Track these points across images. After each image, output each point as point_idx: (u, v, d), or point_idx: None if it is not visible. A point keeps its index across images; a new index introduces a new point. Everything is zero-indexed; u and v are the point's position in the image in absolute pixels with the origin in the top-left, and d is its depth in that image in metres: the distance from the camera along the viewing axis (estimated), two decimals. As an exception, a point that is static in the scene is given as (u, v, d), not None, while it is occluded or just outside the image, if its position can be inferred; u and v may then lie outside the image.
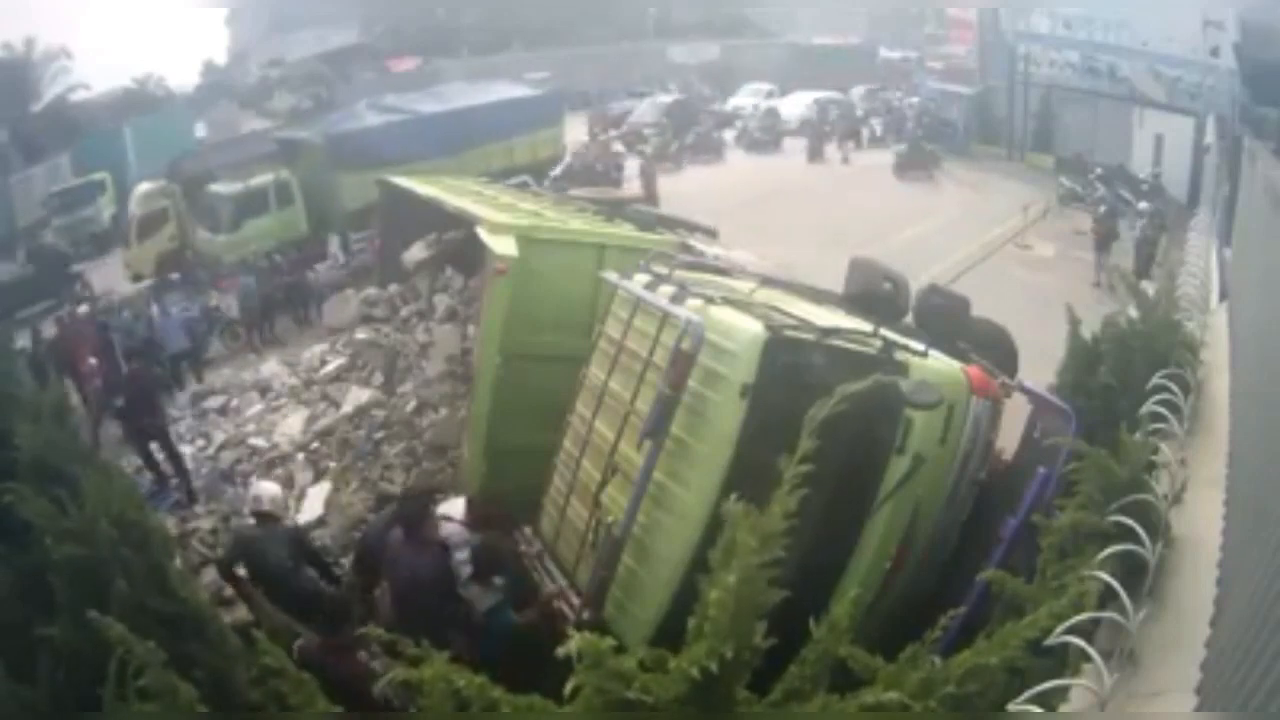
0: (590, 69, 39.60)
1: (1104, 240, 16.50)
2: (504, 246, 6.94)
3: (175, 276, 18.31)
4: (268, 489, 6.43)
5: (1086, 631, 3.22)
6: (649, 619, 4.78)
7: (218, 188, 19.33)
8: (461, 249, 10.04)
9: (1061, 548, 3.84)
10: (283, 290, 16.50)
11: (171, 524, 7.95)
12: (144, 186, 20.56)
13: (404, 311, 10.73)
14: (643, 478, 4.93)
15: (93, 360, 13.22)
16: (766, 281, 6.64)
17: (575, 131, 25.82)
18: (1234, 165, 14.96)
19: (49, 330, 15.13)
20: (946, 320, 7.18)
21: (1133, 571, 3.62)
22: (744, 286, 6.30)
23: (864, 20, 43.51)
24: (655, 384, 5.03)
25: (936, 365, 5.17)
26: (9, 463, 4.98)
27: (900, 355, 5.05)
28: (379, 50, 43.05)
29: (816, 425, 2.92)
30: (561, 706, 2.40)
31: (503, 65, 37.14)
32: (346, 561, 6.79)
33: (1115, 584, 3.33)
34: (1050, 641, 3.02)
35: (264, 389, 11.16)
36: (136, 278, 19.28)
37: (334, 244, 19.35)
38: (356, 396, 9.52)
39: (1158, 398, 4.91)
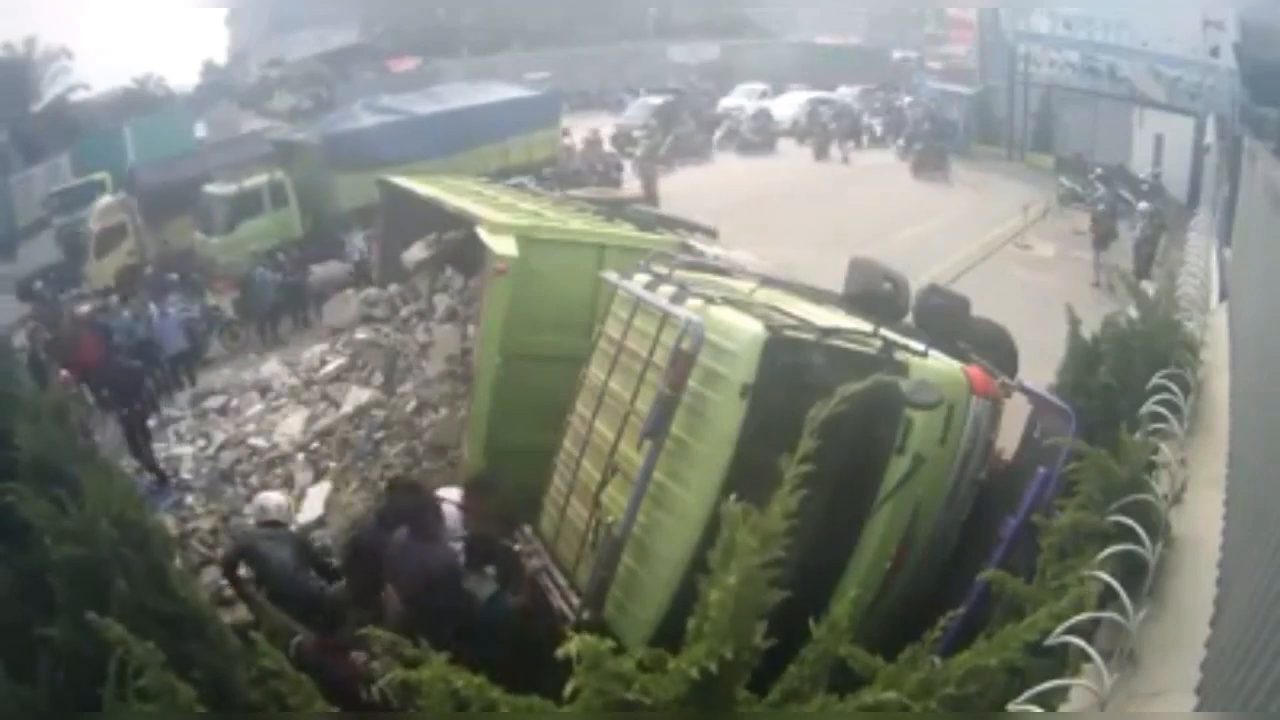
0: (590, 69, 39.60)
1: (1102, 239, 16.51)
2: (504, 246, 6.94)
3: (174, 277, 18.26)
4: (273, 499, 6.41)
5: (1086, 631, 3.21)
6: (649, 619, 4.78)
7: (212, 189, 19.26)
8: (461, 249, 10.04)
9: (1061, 548, 3.84)
10: (285, 290, 16.47)
11: (171, 524, 7.96)
12: (103, 200, 20.44)
13: (404, 311, 10.73)
14: (643, 478, 4.93)
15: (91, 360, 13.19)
16: (766, 281, 6.64)
17: (579, 132, 25.69)
18: (1234, 165, 14.96)
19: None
20: (946, 320, 7.19)
21: (1133, 571, 3.62)
22: (744, 286, 6.30)
23: (864, 20, 43.48)
24: (655, 384, 5.03)
25: (936, 365, 5.17)
26: (9, 463, 4.98)
27: (900, 355, 5.05)
28: (379, 50, 43.01)
29: (817, 426, 2.92)
30: (561, 708, 2.39)
31: (503, 65, 37.15)
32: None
33: (1115, 584, 3.33)
34: (1050, 641, 3.02)
35: (264, 389, 11.17)
36: (94, 292, 18.61)
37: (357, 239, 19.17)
38: (356, 396, 9.52)
39: (1158, 398, 4.91)
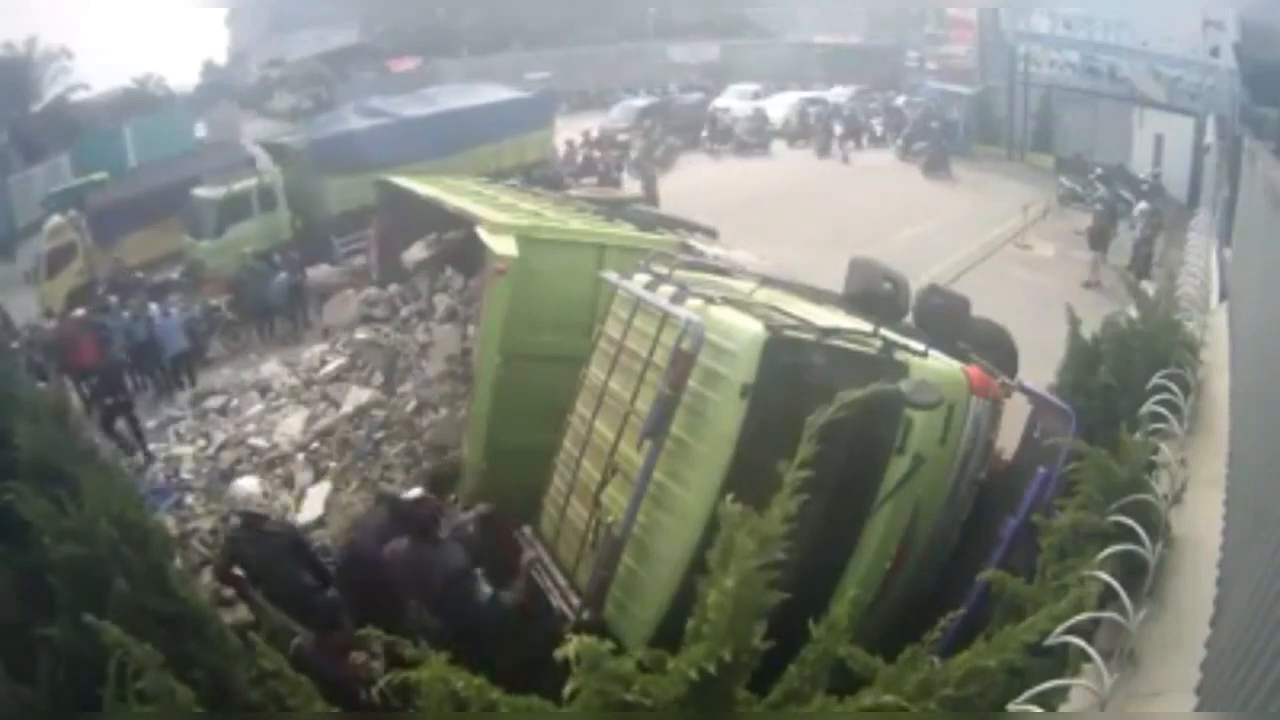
0: (590, 69, 39.58)
1: (1097, 239, 16.54)
2: (504, 246, 6.93)
3: (174, 276, 18.24)
4: (247, 486, 6.31)
5: (1086, 631, 3.22)
6: (649, 619, 4.78)
7: (202, 192, 19.17)
8: (461, 249, 10.04)
9: (1061, 548, 3.84)
10: (283, 289, 16.43)
11: (171, 524, 7.96)
12: (53, 220, 20.03)
13: (404, 311, 10.74)
14: (643, 478, 4.93)
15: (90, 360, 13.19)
16: (766, 281, 6.64)
17: (564, 134, 25.53)
18: (1234, 165, 14.96)
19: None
20: (946, 320, 7.19)
21: (1133, 571, 3.62)
22: (744, 286, 6.30)
23: (864, 20, 43.44)
24: (655, 384, 5.03)
25: (936, 365, 5.17)
26: (9, 463, 4.98)
27: (900, 355, 5.04)
28: (379, 50, 42.99)
29: (815, 431, 2.92)
30: (560, 708, 2.39)
31: (503, 65, 37.09)
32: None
33: (1115, 584, 3.33)
34: (1050, 642, 3.02)
35: (264, 389, 11.16)
36: (48, 313, 18.21)
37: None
38: (356, 396, 9.52)
39: (1158, 398, 4.91)
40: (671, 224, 12.13)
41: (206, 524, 8.29)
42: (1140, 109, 23.77)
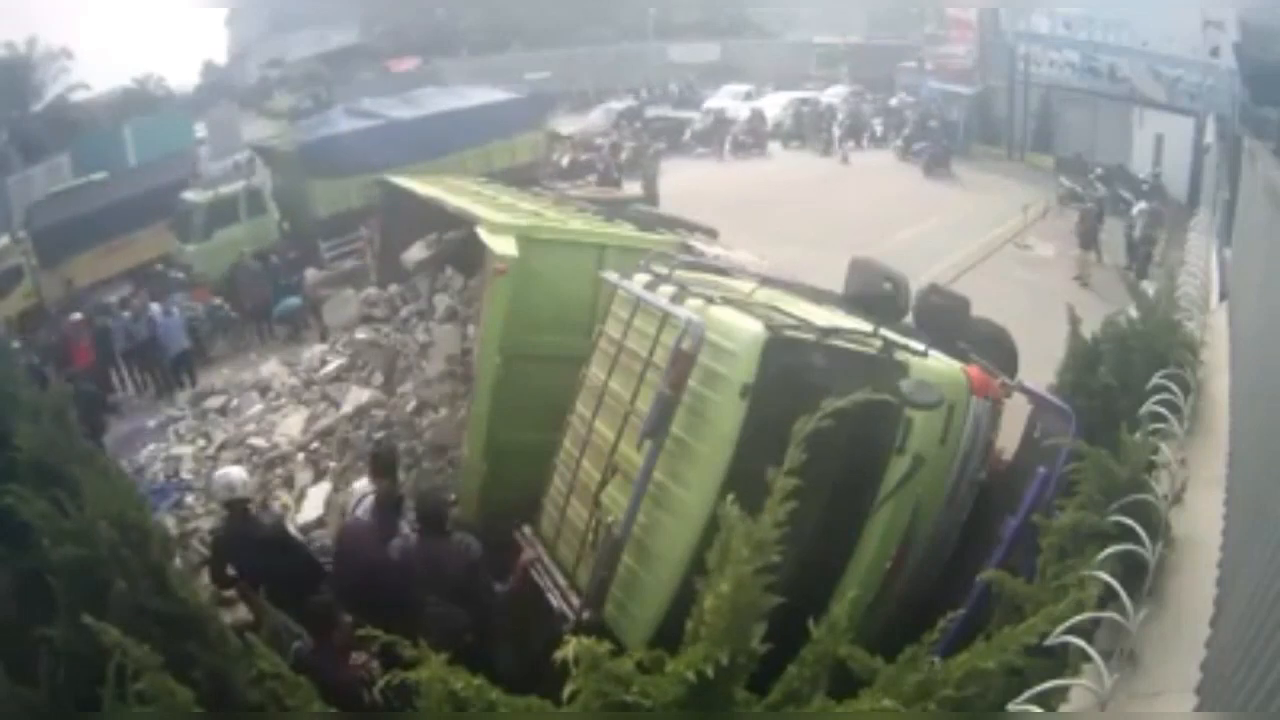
0: (590, 69, 39.58)
1: (1085, 237, 16.62)
2: (504, 246, 6.92)
3: (174, 276, 18.23)
4: (232, 474, 6.25)
5: (1086, 631, 3.21)
6: (649, 619, 4.78)
7: (190, 195, 19.12)
8: (461, 249, 10.03)
9: (1061, 548, 3.84)
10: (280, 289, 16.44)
11: (171, 524, 7.96)
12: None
13: (404, 311, 10.72)
14: (643, 478, 4.92)
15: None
16: (766, 281, 6.63)
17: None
18: (1234, 165, 14.97)
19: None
20: (946, 320, 7.19)
21: (1133, 571, 3.62)
22: (744, 286, 6.29)
23: (864, 20, 43.46)
24: (655, 384, 5.02)
25: (936, 365, 5.16)
26: (9, 463, 4.98)
27: (900, 355, 5.04)
28: (379, 50, 43.04)
29: (808, 435, 2.92)
30: (560, 709, 2.39)
31: (503, 65, 37.14)
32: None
33: (1115, 584, 3.33)
34: (1050, 641, 3.01)
35: (264, 389, 11.16)
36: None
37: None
38: (356, 396, 9.51)
39: (1158, 398, 4.91)
40: (671, 224, 12.11)
41: (206, 524, 8.28)
42: (1140, 109, 23.79)
